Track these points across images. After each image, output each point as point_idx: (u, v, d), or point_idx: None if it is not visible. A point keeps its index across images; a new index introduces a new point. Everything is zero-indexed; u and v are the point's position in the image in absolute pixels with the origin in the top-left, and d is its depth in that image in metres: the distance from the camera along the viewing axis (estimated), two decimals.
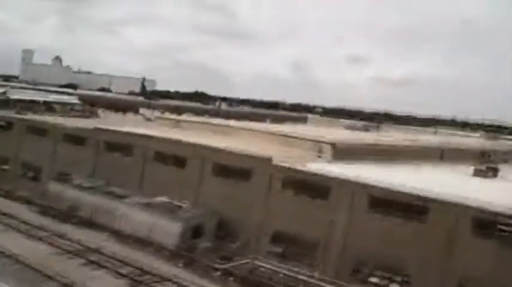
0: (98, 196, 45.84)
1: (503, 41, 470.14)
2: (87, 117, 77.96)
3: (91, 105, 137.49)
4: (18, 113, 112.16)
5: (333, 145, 46.85)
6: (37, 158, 57.56)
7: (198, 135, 50.33)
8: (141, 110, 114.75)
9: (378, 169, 45.21)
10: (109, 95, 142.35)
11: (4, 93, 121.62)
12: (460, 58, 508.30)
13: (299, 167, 41.16)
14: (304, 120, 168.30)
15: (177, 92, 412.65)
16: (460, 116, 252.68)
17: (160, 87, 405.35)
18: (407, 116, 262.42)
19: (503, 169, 52.93)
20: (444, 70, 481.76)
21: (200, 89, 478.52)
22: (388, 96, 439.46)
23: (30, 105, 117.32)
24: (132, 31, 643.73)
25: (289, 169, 41.04)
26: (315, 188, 39.32)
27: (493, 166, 52.48)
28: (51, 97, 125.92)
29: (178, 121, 59.14)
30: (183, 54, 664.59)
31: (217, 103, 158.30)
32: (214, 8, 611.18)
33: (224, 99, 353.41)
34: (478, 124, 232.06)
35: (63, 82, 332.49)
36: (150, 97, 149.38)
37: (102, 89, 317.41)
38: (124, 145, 50.06)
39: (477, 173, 49.96)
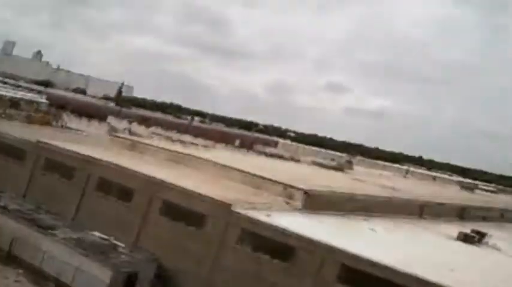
0: (22, 223, 37.49)
1: (477, 83, 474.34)
2: (47, 122, 69.76)
3: (59, 107, 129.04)
4: None
5: (306, 193, 39.54)
6: None
7: (153, 164, 42.66)
8: (109, 118, 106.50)
9: (352, 229, 38.23)
10: (79, 97, 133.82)
11: None
12: (432, 98, 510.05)
13: (261, 218, 33.76)
14: (274, 144, 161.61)
15: (152, 101, 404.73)
16: (426, 155, 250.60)
17: (137, 93, 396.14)
18: (377, 149, 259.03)
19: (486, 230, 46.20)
20: (415, 108, 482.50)
21: (177, 101, 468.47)
22: (360, 127, 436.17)
23: None
24: (122, 36, 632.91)
25: (249, 219, 33.60)
26: (277, 247, 31.98)
27: (478, 230, 45.93)
28: (20, 94, 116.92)
29: (135, 143, 50.88)
30: (166, 64, 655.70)
31: (189, 118, 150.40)
32: (206, 22, 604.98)
33: (198, 114, 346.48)
34: (444, 163, 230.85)
35: (40, 78, 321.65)
36: (121, 104, 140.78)
37: (77, 89, 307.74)
38: (65, 166, 41.92)
39: (461, 237, 43.37)
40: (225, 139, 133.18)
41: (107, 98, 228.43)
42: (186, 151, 49.52)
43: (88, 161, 40.62)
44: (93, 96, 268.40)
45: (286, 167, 63.41)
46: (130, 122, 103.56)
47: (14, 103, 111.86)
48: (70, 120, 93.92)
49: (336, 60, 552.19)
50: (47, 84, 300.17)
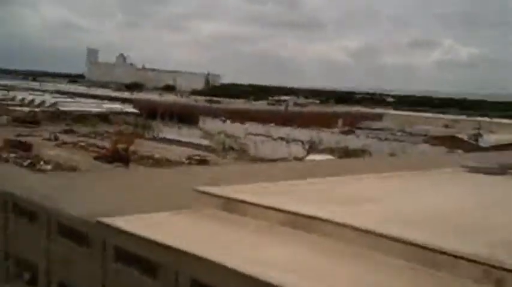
0: None
1: None
2: (130, 140, 63.70)
3: (149, 114, 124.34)
4: (68, 125, 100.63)
5: None
6: (32, 254, 40.53)
7: (256, 242, 32.85)
8: (201, 121, 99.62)
9: None
10: (167, 99, 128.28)
11: (54, 104, 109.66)
12: None
13: None
14: (379, 117, 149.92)
15: (240, 86, 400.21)
16: None
17: (225, 80, 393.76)
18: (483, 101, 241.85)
19: None
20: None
21: (263, 81, 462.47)
22: (457, 79, 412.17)
23: (82, 117, 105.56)
24: (195, 25, 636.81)
25: None
26: None
27: None
28: (105, 107, 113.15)
29: (229, 201, 38.66)
30: (245, 45, 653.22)
31: (284, 103, 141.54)
32: None
33: (288, 92, 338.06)
34: None
35: (128, 81, 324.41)
36: (211, 99, 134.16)
37: (166, 87, 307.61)
38: (144, 259, 32.46)
39: None
40: (326, 121, 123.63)
41: (195, 92, 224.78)
42: (313, 211, 40.13)
43: (173, 255, 31.39)
44: (183, 92, 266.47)
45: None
46: (223, 121, 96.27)
47: (104, 117, 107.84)
48: (160, 129, 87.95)
49: (414, 17, 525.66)
50: (136, 86, 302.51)
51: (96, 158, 62.59)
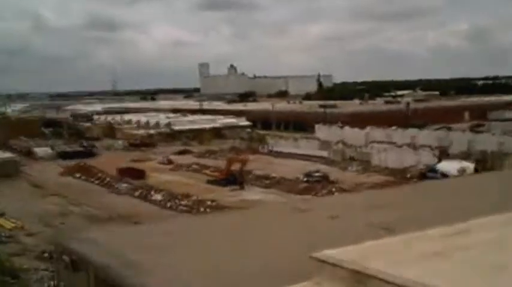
0: None
1: None
2: (244, 159, 59.27)
3: (262, 124, 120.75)
4: (184, 144, 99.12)
5: None
6: None
7: None
8: (317, 128, 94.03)
9: None
10: (279, 108, 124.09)
11: (168, 124, 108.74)
12: None
13: None
14: (510, 106, 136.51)
15: (353, 85, 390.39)
16: None
17: (336, 79, 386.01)
18: None
19: None
20: None
21: (375, 76, 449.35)
22: None
23: (197, 134, 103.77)
24: (300, 28, 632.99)
25: None
26: None
27: None
28: (219, 122, 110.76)
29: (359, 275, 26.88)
30: (352, 42, 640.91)
31: (404, 103, 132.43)
32: None
33: (405, 85, 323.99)
34: None
35: (241, 90, 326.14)
36: (325, 104, 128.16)
37: (279, 93, 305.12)
38: None
39: None
40: (451, 116, 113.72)
41: (308, 96, 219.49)
42: None
43: None
44: (295, 97, 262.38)
45: None
46: (341, 127, 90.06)
47: (218, 133, 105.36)
48: (275, 142, 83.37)
49: None
50: (249, 95, 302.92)
51: (209, 182, 59.01)
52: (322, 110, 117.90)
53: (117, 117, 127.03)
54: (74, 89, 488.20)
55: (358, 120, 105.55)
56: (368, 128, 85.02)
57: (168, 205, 49.47)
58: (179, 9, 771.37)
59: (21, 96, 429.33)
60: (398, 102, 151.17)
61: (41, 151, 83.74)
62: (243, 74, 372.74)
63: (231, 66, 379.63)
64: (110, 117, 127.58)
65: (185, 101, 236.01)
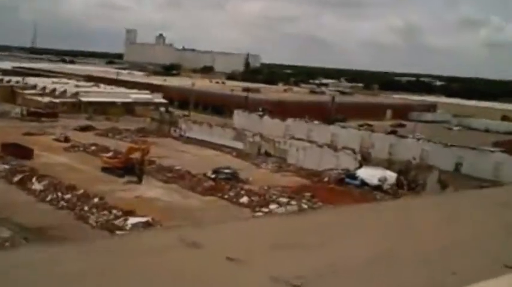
0: None
1: None
2: (146, 149, 51.86)
3: (180, 103, 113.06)
4: (89, 118, 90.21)
5: None
6: None
7: None
8: (236, 114, 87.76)
9: None
10: (200, 88, 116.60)
11: (76, 94, 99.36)
12: None
13: None
14: (433, 108, 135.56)
15: (281, 67, 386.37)
16: None
17: (265, 60, 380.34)
18: None
19: None
20: None
21: (305, 61, 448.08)
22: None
23: (106, 107, 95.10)
24: (237, 4, 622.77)
25: None
26: None
27: None
28: (132, 97, 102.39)
29: None
30: (287, 25, 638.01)
31: (329, 95, 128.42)
32: None
33: (331, 74, 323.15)
34: None
35: (166, 62, 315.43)
36: (249, 88, 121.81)
37: (204, 69, 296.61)
38: None
39: None
40: (374, 113, 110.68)
41: (234, 74, 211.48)
42: None
43: None
44: (220, 75, 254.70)
45: None
46: (261, 115, 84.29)
47: (128, 109, 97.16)
48: (189, 127, 76.45)
49: None
50: (173, 67, 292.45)
51: (104, 170, 51.54)
52: (244, 94, 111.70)
53: (24, 80, 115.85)
54: None
55: (280, 110, 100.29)
56: (289, 121, 79.64)
57: (48, 197, 41.82)
58: None
59: None
60: (323, 92, 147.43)
61: None
62: (171, 45, 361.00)
63: (160, 35, 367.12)
64: (14, 79, 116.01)
65: (106, 68, 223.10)
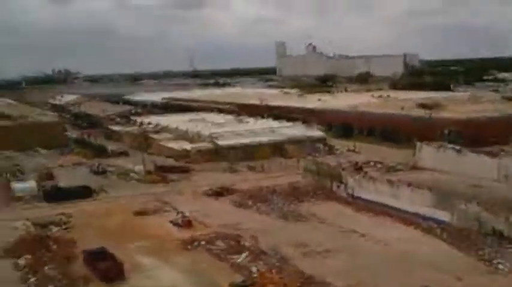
0: None
1: None
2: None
3: (341, 133, 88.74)
4: (229, 169, 67.60)
5: None
6: None
7: None
8: (420, 151, 60.82)
9: None
10: (360, 111, 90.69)
11: (210, 137, 79.41)
12: None
13: None
14: None
15: (444, 63, 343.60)
16: None
17: (425, 56, 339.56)
18: None
19: None
20: None
21: (465, 54, 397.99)
22: None
23: (250, 150, 73.64)
24: (381, 2, 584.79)
25: None
26: None
27: None
28: (281, 132, 79.58)
29: None
30: (438, 17, 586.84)
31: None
32: None
33: (506, 65, 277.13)
34: None
35: (319, 72, 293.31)
36: (424, 104, 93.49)
37: (360, 76, 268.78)
38: None
39: None
40: None
41: (395, 83, 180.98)
42: None
43: None
44: (380, 80, 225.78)
45: None
46: (458, 150, 56.99)
47: (279, 148, 75.13)
48: (358, 180, 51.37)
49: None
50: (329, 78, 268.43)
51: None
52: (422, 112, 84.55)
53: (163, 119, 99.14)
54: (151, 70, 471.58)
55: (475, 133, 72.45)
56: (505, 158, 51.87)
57: None
58: None
59: (99, 78, 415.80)
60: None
61: (21, 187, 56.37)
62: (321, 53, 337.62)
63: (309, 44, 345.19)
64: (148, 121, 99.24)
65: (256, 88, 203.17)
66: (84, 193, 54.35)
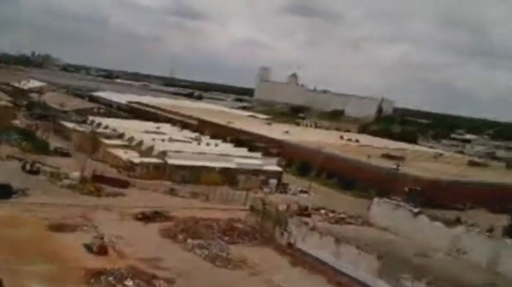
0: None
1: None
2: None
3: (298, 167, 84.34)
4: (171, 191, 61.90)
5: None
6: None
7: None
8: (375, 204, 56.08)
9: None
10: (325, 151, 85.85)
11: (163, 153, 73.67)
12: None
13: None
14: None
15: (415, 114, 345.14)
16: None
17: (399, 104, 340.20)
18: None
19: None
20: None
21: (439, 109, 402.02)
22: None
23: (199, 173, 68.26)
24: (377, 48, 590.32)
25: None
26: None
27: None
28: (236, 161, 74.08)
29: None
30: (428, 72, 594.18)
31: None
32: (462, 25, 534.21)
33: (474, 126, 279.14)
34: None
35: (297, 102, 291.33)
36: (389, 154, 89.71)
37: (334, 113, 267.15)
38: None
39: None
40: None
41: (364, 126, 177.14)
42: None
43: None
44: (350, 121, 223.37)
45: None
46: (416, 213, 52.47)
47: (231, 177, 69.97)
48: (303, 230, 46.01)
49: None
50: (302, 109, 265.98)
51: None
52: (387, 163, 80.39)
53: (122, 124, 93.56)
54: (132, 70, 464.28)
55: (436, 195, 68.61)
56: (459, 228, 47.50)
57: None
58: (262, 9, 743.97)
59: (78, 69, 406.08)
60: (486, 165, 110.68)
61: None
62: (302, 85, 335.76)
63: (293, 75, 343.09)
64: (113, 122, 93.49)
65: (230, 108, 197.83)
66: (0, 192, 47.94)
